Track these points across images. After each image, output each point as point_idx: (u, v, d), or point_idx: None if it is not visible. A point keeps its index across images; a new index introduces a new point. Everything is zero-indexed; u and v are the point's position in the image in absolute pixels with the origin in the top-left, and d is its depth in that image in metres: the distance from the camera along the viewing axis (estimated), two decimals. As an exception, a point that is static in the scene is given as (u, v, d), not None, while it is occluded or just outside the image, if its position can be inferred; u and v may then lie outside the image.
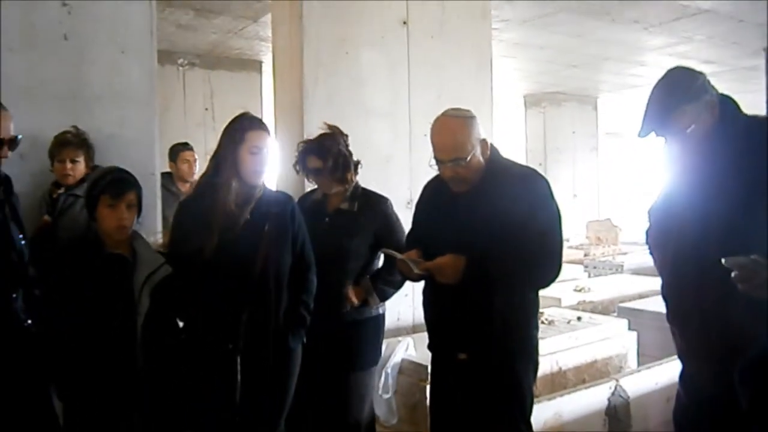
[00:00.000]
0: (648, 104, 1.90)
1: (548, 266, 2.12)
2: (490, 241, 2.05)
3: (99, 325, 2.20)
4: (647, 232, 2.13)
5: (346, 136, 2.92)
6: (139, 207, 2.34)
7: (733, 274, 1.59)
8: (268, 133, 2.44)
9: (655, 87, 1.91)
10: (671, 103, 1.82)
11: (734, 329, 1.78)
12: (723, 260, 1.59)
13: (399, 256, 2.22)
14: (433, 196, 2.34)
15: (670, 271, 2.01)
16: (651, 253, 2.13)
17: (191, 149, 4.58)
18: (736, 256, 1.58)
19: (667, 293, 2.06)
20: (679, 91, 1.83)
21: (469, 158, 2.09)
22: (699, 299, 1.86)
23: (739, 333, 1.77)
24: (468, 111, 2.17)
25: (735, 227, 1.73)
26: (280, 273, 2.44)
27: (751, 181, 1.73)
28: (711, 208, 1.80)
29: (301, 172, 2.94)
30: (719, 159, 1.81)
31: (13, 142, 2.21)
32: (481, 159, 2.14)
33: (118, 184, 2.29)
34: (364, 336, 2.88)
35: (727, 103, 1.88)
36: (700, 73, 1.88)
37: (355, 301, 2.79)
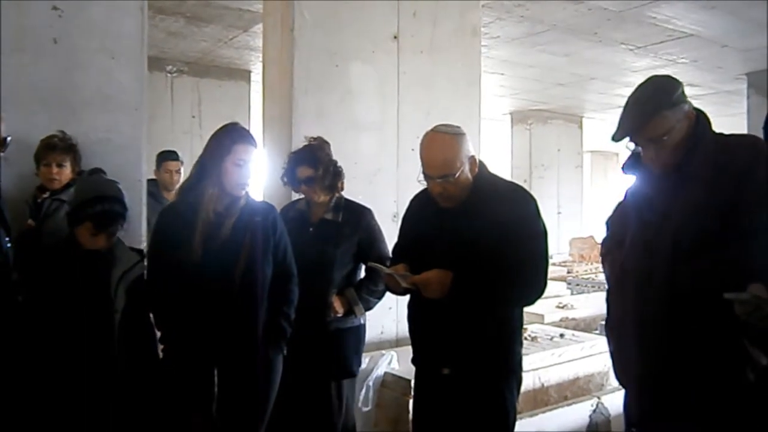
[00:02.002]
0: (626, 107, 1.86)
1: (534, 283, 2.13)
2: (476, 256, 2.06)
3: (74, 323, 2.19)
4: (603, 243, 2.14)
5: (329, 144, 2.95)
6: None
7: (735, 307, 1.60)
8: (255, 146, 2.45)
9: (635, 91, 1.88)
10: (652, 108, 1.79)
11: (670, 345, 1.80)
12: (725, 295, 1.58)
13: (386, 270, 2.23)
14: (420, 211, 2.35)
15: (617, 276, 2.02)
16: (602, 263, 2.15)
17: (176, 159, 4.50)
18: (735, 293, 1.58)
19: (609, 300, 2.07)
20: (660, 97, 1.81)
21: (457, 175, 2.09)
22: (639, 310, 1.87)
23: (675, 350, 1.79)
24: (458, 127, 2.18)
25: (689, 242, 1.75)
26: (261, 283, 2.43)
27: (715, 198, 1.75)
28: (668, 220, 1.81)
29: (289, 183, 2.95)
30: (688, 170, 1.81)
31: (2, 144, 2.20)
32: (469, 175, 2.15)
33: (106, 219, 2.26)
34: (347, 345, 2.90)
35: (701, 117, 1.88)
36: (680, 83, 1.87)
37: (339, 310, 2.81)
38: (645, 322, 1.85)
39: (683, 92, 1.85)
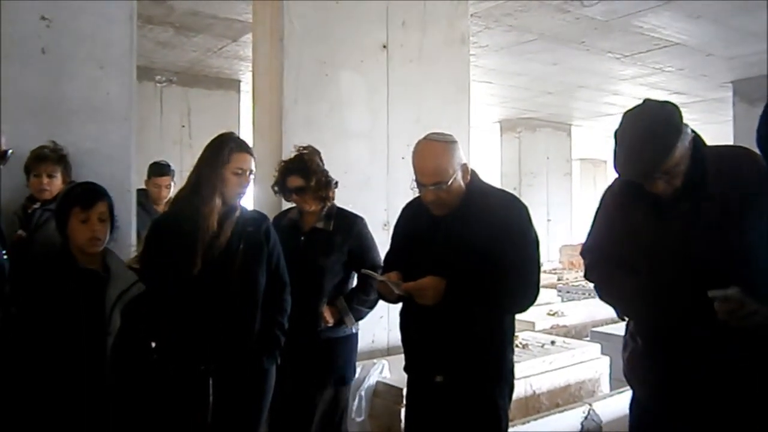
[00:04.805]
0: (634, 144, 1.79)
1: (527, 291, 2.13)
2: (469, 263, 2.07)
3: (68, 343, 2.15)
4: (585, 252, 2.14)
5: (320, 154, 2.96)
6: (111, 220, 2.29)
7: (716, 305, 1.61)
8: (253, 156, 2.45)
9: (635, 123, 1.82)
10: (666, 143, 1.75)
11: (697, 355, 1.83)
12: (709, 292, 1.60)
13: (379, 277, 2.23)
14: (412, 219, 2.35)
15: (645, 297, 2.01)
16: (589, 272, 2.14)
17: (167, 174, 4.42)
18: (720, 290, 1.60)
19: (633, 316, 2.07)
20: (670, 128, 1.77)
21: (450, 182, 2.10)
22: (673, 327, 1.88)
23: (708, 363, 1.82)
24: (450, 135, 2.19)
25: (713, 262, 1.77)
26: (255, 292, 2.43)
27: (729, 215, 1.76)
28: (688, 243, 1.82)
29: (280, 192, 2.95)
30: (700, 192, 1.81)
31: (3, 157, 2.20)
32: (461, 183, 2.16)
33: (88, 196, 2.24)
34: (339, 354, 2.89)
35: (696, 136, 1.87)
36: (676, 107, 1.83)
37: (330, 320, 2.80)
38: (674, 338, 1.87)
39: (681, 114, 1.82)
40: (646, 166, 1.79)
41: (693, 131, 1.86)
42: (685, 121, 1.83)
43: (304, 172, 2.83)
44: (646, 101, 1.88)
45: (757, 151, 1.63)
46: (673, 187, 1.83)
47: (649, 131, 1.79)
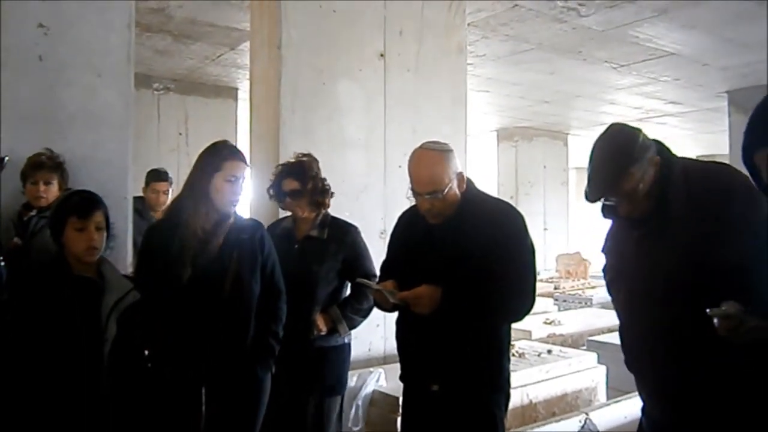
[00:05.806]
0: (593, 169, 1.85)
1: (522, 299, 2.14)
2: (465, 272, 2.07)
3: (65, 350, 2.14)
4: (604, 270, 2.16)
5: (318, 163, 2.96)
6: (107, 229, 2.29)
7: (716, 322, 1.62)
8: (246, 164, 2.45)
9: (596, 150, 1.87)
10: (617, 168, 1.78)
11: (685, 371, 1.82)
12: (708, 310, 1.61)
13: (375, 286, 2.23)
14: (408, 227, 2.35)
15: (626, 316, 2.05)
16: (609, 292, 2.17)
17: (165, 180, 4.43)
18: (718, 308, 1.60)
19: (623, 336, 2.09)
20: (623, 155, 1.80)
21: (446, 191, 2.11)
22: (651, 344, 1.90)
23: (690, 374, 1.81)
24: (446, 144, 2.20)
25: (684, 274, 1.77)
26: (249, 300, 2.42)
27: (697, 239, 1.76)
28: (657, 267, 1.83)
29: (275, 197, 2.94)
30: (665, 216, 1.82)
31: (0, 164, 2.20)
32: (457, 192, 2.16)
33: (85, 205, 2.24)
34: (331, 363, 2.87)
35: (664, 153, 1.88)
36: (638, 132, 1.85)
37: (323, 328, 2.79)
38: (657, 350, 1.89)
39: (644, 139, 1.84)
40: (599, 191, 1.84)
41: (663, 151, 1.87)
42: (651, 139, 1.86)
43: (300, 176, 2.83)
44: (611, 126, 1.91)
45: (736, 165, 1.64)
46: (638, 211, 1.85)
47: (603, 158, 1.84)
